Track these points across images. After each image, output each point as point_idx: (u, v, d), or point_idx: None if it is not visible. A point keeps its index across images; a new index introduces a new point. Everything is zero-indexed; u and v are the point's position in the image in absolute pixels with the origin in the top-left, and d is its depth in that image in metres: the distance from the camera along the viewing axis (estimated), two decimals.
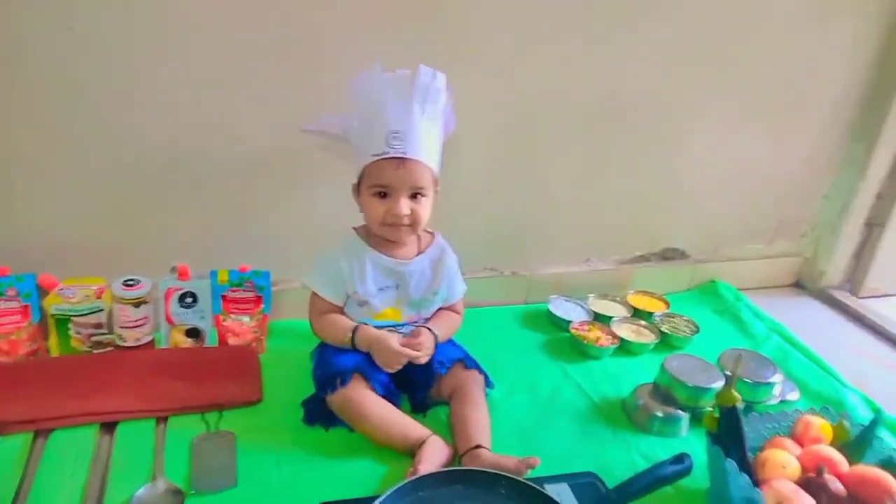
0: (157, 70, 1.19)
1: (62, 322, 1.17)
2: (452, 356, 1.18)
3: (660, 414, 1.20)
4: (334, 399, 1.09)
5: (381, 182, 1.09)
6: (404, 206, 1.10)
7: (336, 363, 1.12)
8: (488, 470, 0.93)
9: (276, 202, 1.36)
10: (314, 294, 1.17)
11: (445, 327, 1.20)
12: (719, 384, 1.21)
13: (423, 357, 1.11)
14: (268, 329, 1.32)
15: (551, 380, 1.34)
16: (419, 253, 1.18)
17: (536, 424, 1.19)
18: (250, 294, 1.25)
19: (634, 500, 0.91)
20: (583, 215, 1.61)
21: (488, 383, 1.21)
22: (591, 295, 1.62)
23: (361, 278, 1.14)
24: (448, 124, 1.16)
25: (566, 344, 1.47)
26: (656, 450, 1.15)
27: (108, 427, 1.07)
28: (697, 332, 1.52)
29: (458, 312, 1.25)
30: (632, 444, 1.17)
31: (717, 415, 1.03)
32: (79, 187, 1.23)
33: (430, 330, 1.15)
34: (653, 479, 0.93)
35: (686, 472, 0.95)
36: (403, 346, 1.10)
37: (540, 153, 1.50)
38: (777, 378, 1.27)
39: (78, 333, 1.19)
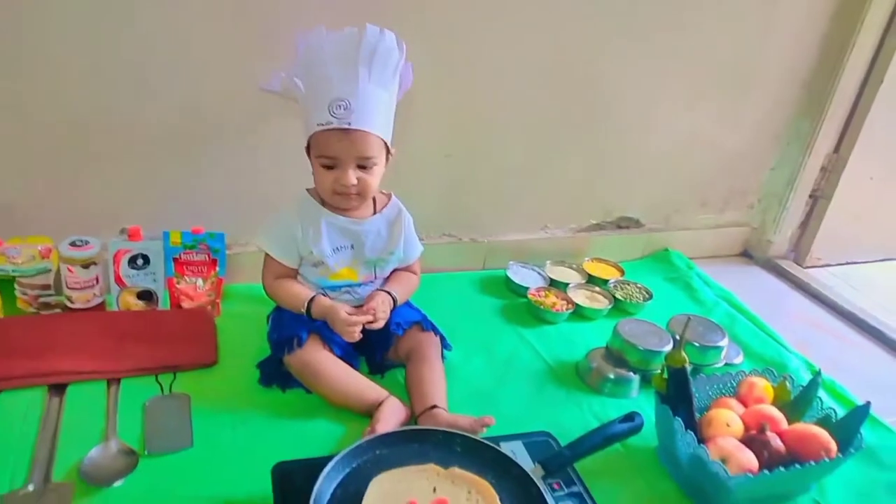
0: (104, 27, 1.14)
1: (6, 283, 1.13)
2: (409, 318, 1.18)
3: (612, 375, 1.24)
4: (291, 360, 1.08)
5: (327, 153, 1.07)
6: (351, 176, 1.08)
7: (293, 325, 1.11)
8: (444, 429, 0.95)
9: (231, 163, 1.32)
10: (268, 256, 1.15)
11: (402, 289, 1.20)
12: (669, 347, 1.25)
13: (378, 322, 1.11)
14: (223, 292, 1.30)
15: (508, 344, 1.36)
16: (375, 213, 1.17)
17: (493, 386, 1.22)
18: (204, 257, 1.23)
19: (586, 456, 0.94)
20: (540, 183, 1.62)
21: (445, 345, 1.22)
22: (548, 261, 1.64)
23: (316, 239, 1.12)
24: (404, 81, 1.14)
25: (523, 309, 1.49)
26: (608, 410, 1.19)
27: (58, 389, 1.04)
28: (650, 298, 1.56)
29: (414, 273, 1.25)
30: (584, 405, 1.20)
31: (665, 376, 1.07)
32: (23, 144, 1.18)
33: (388, 293, 1.15)
34: (604, 436, 0.95)
35: (636, 429, 0.98)
36: (358, 314, 1.10)
37: (498, 120, 1.50)
38: (724, 342, 1.31)
39: (24, 294, 1.15)
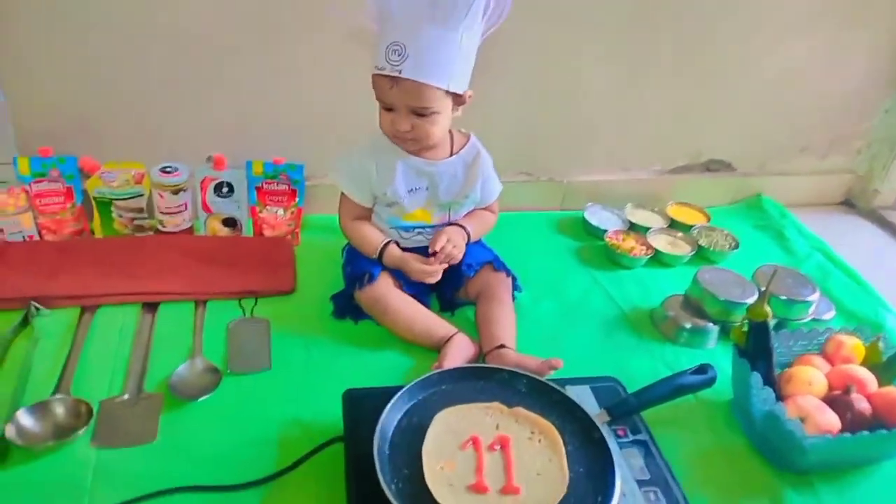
0: None
1: (104, 205, 1.20)
2: (481, 258, 1.18)
3: (688, 325, 1.20)
4: (361, 296, 1.11)
5: (381, 98, 1.04)
6: (405, 122, 1.05)
7: (365, 260, 1.13)
8: (510, 368, 0.95)
9: (311, 96, 1.33)
10: (343, 194, 1.16)
11: (477, 226, 1.19)
12: (752, 299, 1.19)
13: (456, 256, 1.11)
14: (302, 222, 1.34)
15: (581, 286, 1.34)
16: (451, 154, 1.15)
17: (562, 329, 1.21)
18: (284, 187, 1.26)
19: (653, 405, 0.93)
20: (624, 122, 1.55)
21: (516, 286, 1.22)
22: (629, 204, 1.59)
23: (390, 179, 1.11)
24: (493, 16, 1.04)
25: (599, 252, 1.45)
26: (681, 360, 1.16)
27: (151, 307, 1.12)
28: (736, 247, 1.48)
29: (492, 212, 1.23)
30: (657, 354, 1.17)
31: (745, 329, 1.02)
32: (120, 73, 1.23)
33: (462, 227, 1.14)
34: (673, 386, 0.93)
35: (709, 382, 0.94)
36: (432, 262, 1.10)
37: (582, 55, 1.43)
38: (813, 296, 1.24)
39: (120, 217, 1.22)
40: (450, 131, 1.11)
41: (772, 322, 1.00)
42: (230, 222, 1.28)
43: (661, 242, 1.47)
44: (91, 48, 1.20)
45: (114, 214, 1.21)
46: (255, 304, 1.15)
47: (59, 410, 0.90)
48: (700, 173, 1.68)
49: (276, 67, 1.28)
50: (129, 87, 1.24)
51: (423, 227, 1.17)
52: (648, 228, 1.49)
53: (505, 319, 1.11)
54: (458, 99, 1.06)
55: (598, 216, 1.54)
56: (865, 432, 0.91)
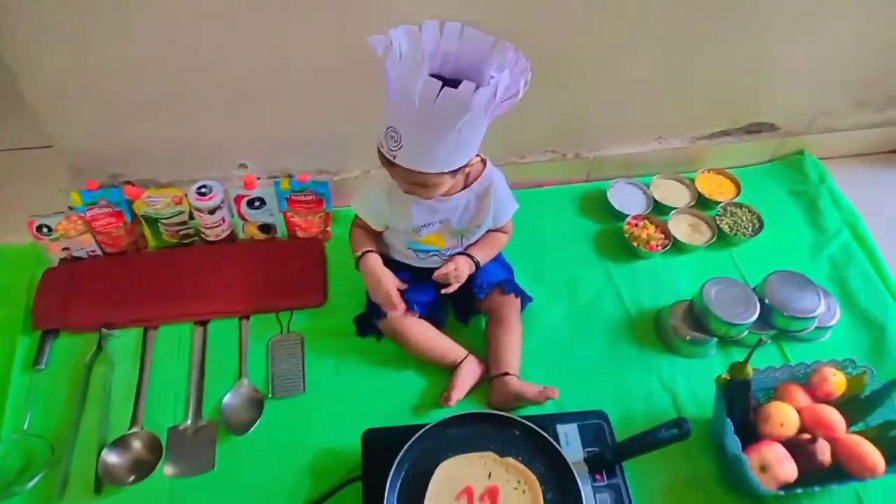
0: None
1: (152, 221, 1.32)
2: (492, 279, 1.26)
3: (687, 338, 1.28)
4: (381, 325, 1.24)
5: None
6: (405, 186, 1.09)
7: None
8: (506, 415, 1.09)
9: (337, 102, 1.34)
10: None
11: (488, 250, 1.25)
12: (755, 317, 1.25)
13: (452, 287, 1.18)
14: (331, 219, 1.43)
15: (594, 284, 1.41)
16: (464, 188, 1.17)
17: (568, 338, 1.31)
18: (311, 197, 1.33)
19: (629, 458, 1.06)
20: (658, 89, 1.47)
21: (526, 299, 1.30)
22: (657, 176, 1.57)
23: (403, 216, 1.17)
24: (505, 96, 0.96)
25: (618, 238, 1.49)
26: (677, 373, 1.26)
27: (202, 323, 1.29)
28: (759, 230, 1.48)
29: (505, 232, 1.28)
30: (654, 367, 1.27)
31: (728, 377, 1.11)
32: (150, 98, 1.27)
33: (469, 257, 1.21)
34: (648, 442, 1.05)
35: (683, 437, 1.06)
36: (437, 276, 1.18)
37: (609, 18, 1.31)
38: (818, 310, 1.27)
39: (167, 231, 1.34)
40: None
41: (752, 379, 1.09)
42: (266, 228, 1.39)
43: (681, 227, 1.49)
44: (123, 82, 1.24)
45: (161, 229, 1.34)
46: (291, 317, 1.30)
47: (137, 445, 1.11)
48: (738, 136, 1.62)
49: (295, 80, 1.29)
50: (163, 112, 1.30)
51: (437, 251, 1.24)
52: (671, 210, 1.50)
53: (510, 344, 1.22)
54: (465, 167, 1.07)
55: (621, 195, 1.54)
56: (817, 487, 1.03)
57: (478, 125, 1.00)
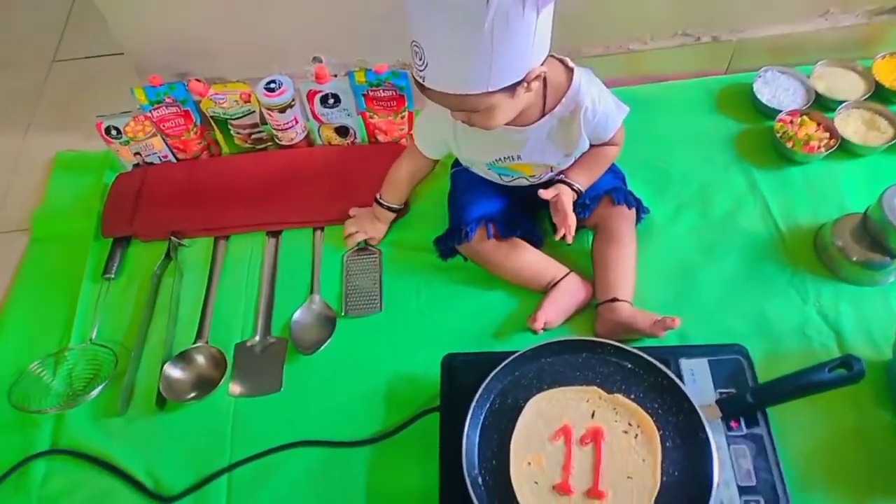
0: None
1: (222, 123, 1.21)
2: (598, 189, 1.03)
3: (858, 259, 1.00)
4: (462, 250, 1.06)
5: None
6: (459, 115, 0.88)
7: (462, 210, 1.05)
8: (616, 344, 0.89)
9: None
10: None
11: (591, 170, 1.02)
12: None
13: (570, 228, 0.97)
14: (415, 119, 1.25)
15: (733, 193, 1.14)
16: (544, 113, 0.94)
17: (697, 257, 1.07)
18: (391, 93, 1.16)
19: (778, 403, 0.83)
20: None
21: (642, 211, 1.07)
22: (819, 63, 1.25)
23: (471, 147, 0.98)
24: None
25: (767, 139, 1.20)
26: (843, 305, 0.99)
27: (274, 234, 1.17)
28: None
29: (613, 144, 1.03)
30: (811, 294, 1.01)
31: None
32: None
33: (569, 185, 0.99)
34: (805, 384, 0.81)
35: (853, 379, 0.81)
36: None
37: None
38: None
39: (238, 134, 1.22)
40: (543, 80, 0.89)
41: None
42: (343, 131, 1.23)
43: (852, 124, 1.17)
44: None
45: (232, 132, 1.22)
46: None
47: (201, 360, 1.02)
48: None
49: None
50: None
51: (525, 177, 1.04)
52: (838, 104, 1.19)
53: (622, 265, 1.00)
54: (523, 83, 0.82)
55: (772, 87, 1.24)
56: None
57: (518, 22, 0.75)
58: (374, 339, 1.03)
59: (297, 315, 1.06)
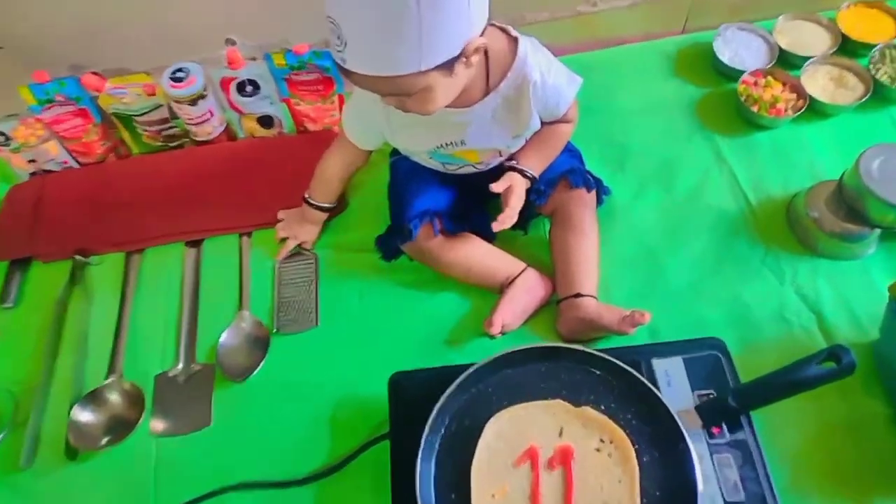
0: None
1: (126, 120, 1.06)
2: (553, 173, 0.93)
3: (835, 231, 0.92)
4: (407, 250, 0.94)
5: None
6: (390, 100, 0.77)
7: (405, 205, 0.93)
8: (579, 348, 0.79)
9: None
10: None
11: (545, 152, 0.91)
12: None
13: (510, 218, 0.86)
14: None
15: (697, 166, 1.05)
16: (487, 92, 0.82)
17: (663, 239, 0.98)
18: (316, 75, 1.02)
19: (764, 405, 0.74)
20: None
21: (602, 192, 0.97)
22: (781, 17, 1.16)
23: (406, 134, 0.86)
24: None
25: (730, 103, 1.10)
26: (822, 283, 0.91)
27: (195, 243, 1.03)
28: None
29: (567, 121, 0.92)
30: (787, 276, 0.93)
31: None
32: None
33: (521, 172, 0.88)
34: (792, 382, 0.73)
35: (844, 373, 0.73)
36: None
37: None
38: None
39: (146, 131, 1.08)
40: (484, 53, 0.76)
41: None
42: (266, 121, 1.09)
43: (820, 81, 1.09)
44: None
45: (139, 130, 1.08)
46: None
47: (115, 398, 0.89)
48: None
49: None
50: None
51: (471, 164, 0.92)
52: (806, 60, 1.10)
53: (583, 255, 0.90)
54: (461, 58, 0.71)
55: (732, 46, 1.14)
56: None
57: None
58: (312, 359, 0.91)
59: (224, 337, 0.93)
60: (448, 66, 0.71)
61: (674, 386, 0.81)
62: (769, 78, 1.08)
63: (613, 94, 1.12)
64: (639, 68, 1.16)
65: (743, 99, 1.06)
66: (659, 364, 0.82)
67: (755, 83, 1.08)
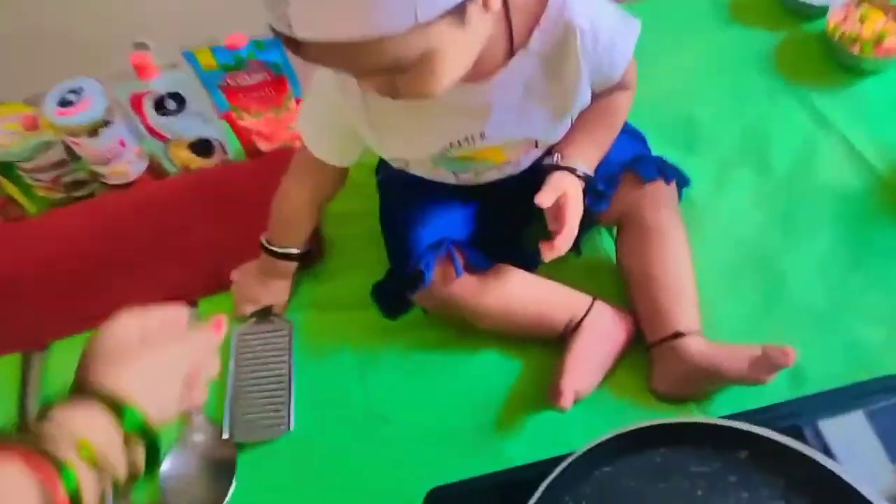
0: None
1: (8, 168, 0.77)
2: (612, 165, 0.64)
3: None
4: (420, 300, 0.65)
5: None
6: (374, 85, 0.50)
7: (407, 238, 0.64)
8: (713, 422, 0.50)
9: None
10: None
11: (599, 141, 0.63)
12: None
13: (565, 242, 0.58)
14: None
15: (793, 134, 0.78)
16: (513, 52, 0.55)
17: (773, 238, 0.70)
18: (262, 76, 0.75)
19: None
20: None
21: (682, 184, 0.69)
22: None
23: (392, 134, 0.59)
24: None
25: (815, 49, 0.84)
26: None
27: None
28: None
29: (625, 89, 0.64)
30: None
31: None
32: None
33: (570, 171, 0.59)
34: None
35: None
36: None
37: None
38: None
39: (38, 181, 0.79)
40: (504, 3, 0.49)
41: None
42: (202, 147, 0.80)
43: None
44: None
45: (28, 181, 0.79)
46: None
47: None
48: None
49: None
50: None
51: (494, 166, 0.64)
52: None
53: (673, 273, 0.62)
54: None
55: None
56: None
57: None
58: (298, 481, 0.62)
59: (168, 464, 0.63)
60: (458, 13, 0.43)
61: (860, 457, 0.52)
62: (865, 8, 0.82)
63: (660, 53, 0.84)
64: (688, 17, 0.89)
65: (836, 40, 0.79)
66: (829, 427, 0.53)
67: (845, 18, 0.82)
